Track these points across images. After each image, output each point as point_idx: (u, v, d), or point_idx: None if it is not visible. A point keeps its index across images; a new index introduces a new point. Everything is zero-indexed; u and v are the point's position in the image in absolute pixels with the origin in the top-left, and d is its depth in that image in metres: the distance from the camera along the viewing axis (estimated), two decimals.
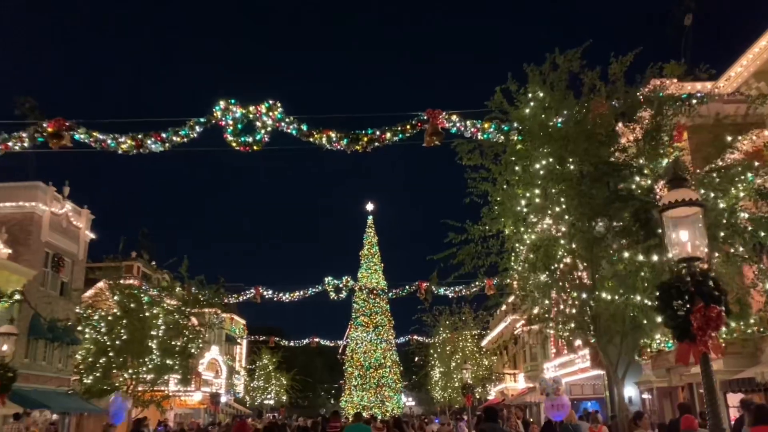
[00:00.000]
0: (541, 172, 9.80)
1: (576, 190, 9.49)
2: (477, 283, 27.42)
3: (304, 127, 12.56)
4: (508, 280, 11.87)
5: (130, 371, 19.07)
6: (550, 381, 12.29)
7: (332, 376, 76.26)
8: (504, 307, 39.98)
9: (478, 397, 35.74)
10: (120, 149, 12.69)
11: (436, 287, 11.40)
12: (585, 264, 9.85)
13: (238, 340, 47.02)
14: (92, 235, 26.94)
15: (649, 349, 16.57)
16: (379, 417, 34.10)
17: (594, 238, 9.52)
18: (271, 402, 45.68)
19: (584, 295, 9.73)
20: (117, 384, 19.47)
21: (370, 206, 61.72)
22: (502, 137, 11.22)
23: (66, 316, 25.48)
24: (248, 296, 28.03)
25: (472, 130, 11.99)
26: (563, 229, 9.96)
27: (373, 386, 53.35)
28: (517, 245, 10.73)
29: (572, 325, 10.34)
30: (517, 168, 10.26)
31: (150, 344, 19.43)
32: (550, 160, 9.73)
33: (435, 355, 33.03)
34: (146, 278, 29.32)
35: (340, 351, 60.11)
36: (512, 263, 10.90)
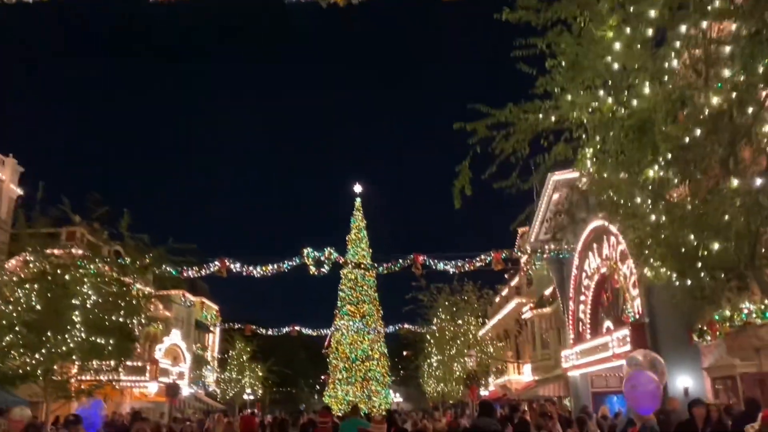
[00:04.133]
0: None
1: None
2: (482, 256, 23.43)
3: None
4: (584, 180, 7.63)
5: (43, 351, 14.70)
6: (646, 359, 8.01)
7: (316, 370, 71.99)
8: (506, 291, 35.89)
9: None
10: None
11: (467, 188, 7.10)
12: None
13: (211, 328, 42.62)
14: (20, 191, 22.48)
15: (726, 324, 12.50)
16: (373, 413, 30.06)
17: None
18: (250, 396, 41.33)
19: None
20: (29, 368, 15.14)
21: (358, 188, 57.49)
22: None
23: None
24: (212, 269, 23.62)
25: None
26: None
27: (360, 380, 49.30)
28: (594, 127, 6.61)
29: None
30: None
31: (72, 317, 15.18)
32: None
33: (432, 341, 28.86)
34: (94, 249, 24.90)
35: (325, 344, 56.12)
36: (589, 153, 6.78)
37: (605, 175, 7.15)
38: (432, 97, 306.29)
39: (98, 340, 15.71)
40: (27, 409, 14.53)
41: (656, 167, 5.88)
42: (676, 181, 5.98)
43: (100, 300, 16.15)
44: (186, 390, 31.62)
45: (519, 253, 23.28)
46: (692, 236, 6.08)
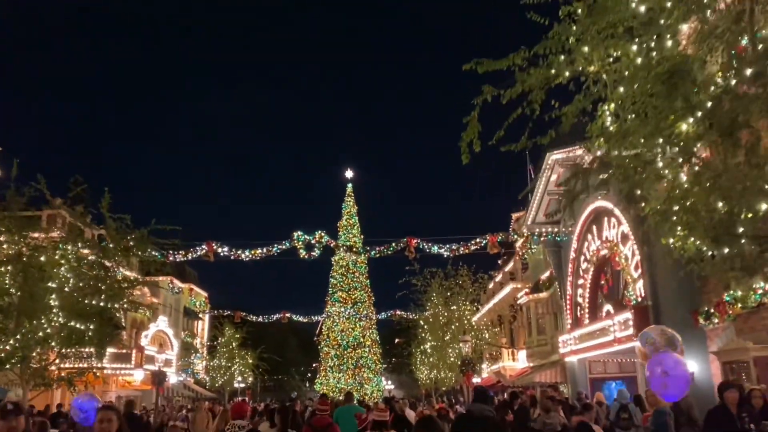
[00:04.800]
0: None
1: None
2: (477, 240, 22.81)
3: None
4: (595, 152, 6.95)
5: (18, 336, 13.91)
6: (663, 336, 7.37)
7: (307, 357, 71.49)
8: (500, 276, 35.36)
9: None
10: None
11: (476, 144, 6.41)
12: None
13: (200, 315, 41.84)
14: None
15: (738, 305, 11.92)
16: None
17: None
18: (241, 384, 40.67)
19: None
20: (3, 355, 14.34)
21: (349, 173, 56.69)
22: None
23: None
24: (199, 253, 22.85)
25: None
26: None
27: (351, 367, 48.86)
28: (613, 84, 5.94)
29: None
30: None
31: (50, 301, 14.39)
32: None
33: (425, 327, 28.23)
34: (76, 233, 24.02)
35: (317, 332, 55.60)
36: (609, 109, 6.12)
37: (618, 145, 6.47)
38: (426, 71, 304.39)
39: (77, 326, 14.95)
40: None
41: (691, 120, 5.20)
42: (710, 137, 5.31)
43: (81, 284, 15.39)
44: (173, 378, 30.91)
45: (515, 236, 22.64)
46: (725, 200, 5.44)
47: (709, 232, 5.78)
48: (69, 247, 14.84)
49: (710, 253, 6.05)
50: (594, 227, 19.80)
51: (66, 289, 14.80)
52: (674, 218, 6.08)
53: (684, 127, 5.28)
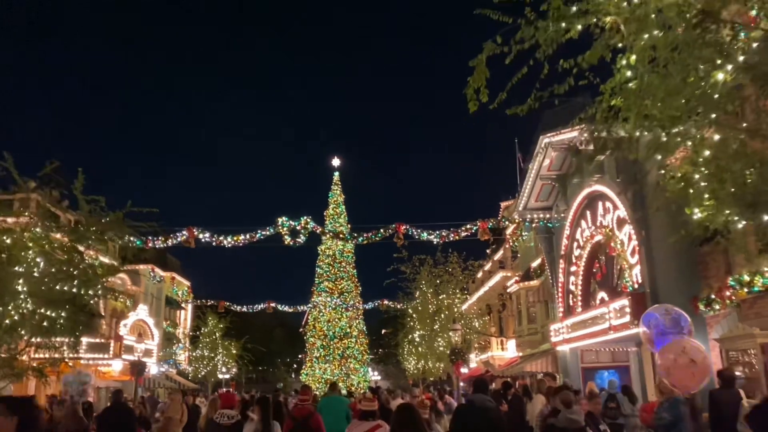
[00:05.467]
0: None
1: None
2: (468, 226, 22.19)
3: None
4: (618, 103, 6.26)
5: None
6: (667, 316, 6.76)
7: (293, 348, 70.84)
8: (489, 266, 34.85)
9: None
10: None
11: (483, 93, 5.69)
12: None
13: (182, 305, 40.93)
14: None
15: (743, 290, 11.40)
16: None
17: None
18: (226, 375, 39.90)
19: None
20: None
21: (336, 161, 55.81)
22: None
23: None
24: (179, 239, 22.02)
25: None
26: None
27: (338, 358, 48.22)
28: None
29: None
30: None
31: (17, 287, 13.55)
32: None
33: (414, 316, 27.62)
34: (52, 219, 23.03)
35: (303, 323, 54.93)
36: (628, 60, 5.47)
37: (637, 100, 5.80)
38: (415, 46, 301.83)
39: (48, 313, 14.13)
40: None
41: (729, 67, 4.55)
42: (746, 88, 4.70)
43: (52, 269, 14.55)
44: (154, 368, 30.09)
45: (507, 222, 22.04)
46: (762, 163, 4.83)
47: (739, 201, 5.17)
48: (38, 230, 13.98)
49: (738, 224, 5.43)
50: (588, 212, 19.26)
51: (35, 273, 13.97)
52: (699, 186, 5.46)
53: (720, 76, 4.63)
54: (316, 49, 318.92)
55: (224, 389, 33.48)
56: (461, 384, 27.95)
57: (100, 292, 15.75)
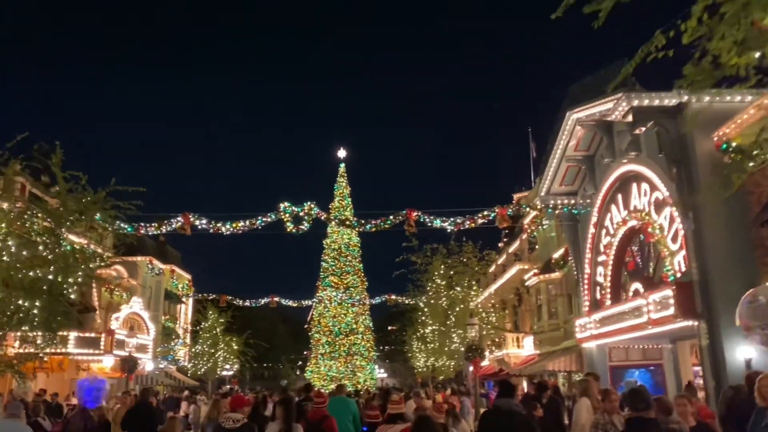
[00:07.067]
0: None
1: None
2: (485, 213, 20.47)
3: None
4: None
5: None
6: None
7: (297, 345, 69.34)
8: (503, 259, 33.13)
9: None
10: None
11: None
12: None
13: (182, 299, 39.36)
14: None
15: None
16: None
17: None
18: (229, 372, 38.35)
19: None
20: None
21: (342, 153, 54.20)
22: None
23: None
24: (174, 225, 20.41)
25: None
26: None
27: (343, 355, 46.73)
28: None
29: None
30: None
31: None
32: None
33: (426, 310, 25.95)
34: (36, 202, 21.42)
35: (308, 319, 53.46)
36: None
37: None
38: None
39: (21, 302, 12.57)
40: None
41: None
42: None
43: (24, 252, 12.97)
44: (150, 364, 28.54)
45: (527, 209, 20.32)
46: None
47: None
48: (5, 206, 12.40)
49: None
50: (619, 196, 17.52)
51: (4, 257, 12.41)
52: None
53: None
54: (326, 24, 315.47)
55: (227, 386, 31.94)
56: (471, 383, 26.33)
57: (80, 279, 14.17)
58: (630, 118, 14.10)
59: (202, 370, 33.58)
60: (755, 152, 11.57)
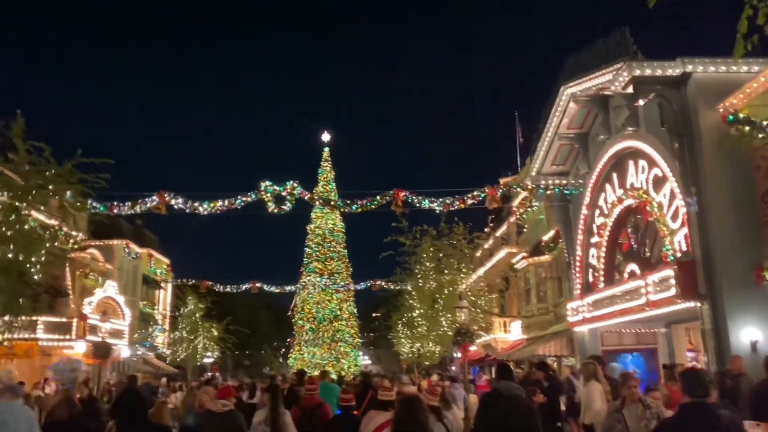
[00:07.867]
0: None
1: None
2: (475, 193, 19.74)
3: None
4: None
5: None
6: None
7: (280, 332, 68.39)
8: (490, 243, 32.51)
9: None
10: None
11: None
12: None
13: (161, 284, 38.27)
14: None
15: None
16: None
17: None
18: (210, 359, 37.36)
19: None
20: None
21: (326, 136, 53.19)
22: None
23: None
24: (149, 205, 19.42)
25: None
26: None
27: (327, 341, 45.99)
28: None
29: None
30: None
31: None
32: None
33: (414, 293, 25.25)
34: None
35: (291, 306, 52.59)
36: None
37: None
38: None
39: None
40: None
41: None
42: None
43: None
44: (126, 351, 27.55)
45: (518, 189, 19.62)
46: None
47: None
48: None
49: None
50: (614, 174, 16.87)
51: None
52: None
53: None
54: (326, 24, 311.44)
55: (208, 374, 31.05)
56: (454, 369, 25.74)
57: (43, 259, 13.21)
58: (630, 89, 13.39)
59: (182, 356, 32.65)
60: (765, 123, 10.93)
